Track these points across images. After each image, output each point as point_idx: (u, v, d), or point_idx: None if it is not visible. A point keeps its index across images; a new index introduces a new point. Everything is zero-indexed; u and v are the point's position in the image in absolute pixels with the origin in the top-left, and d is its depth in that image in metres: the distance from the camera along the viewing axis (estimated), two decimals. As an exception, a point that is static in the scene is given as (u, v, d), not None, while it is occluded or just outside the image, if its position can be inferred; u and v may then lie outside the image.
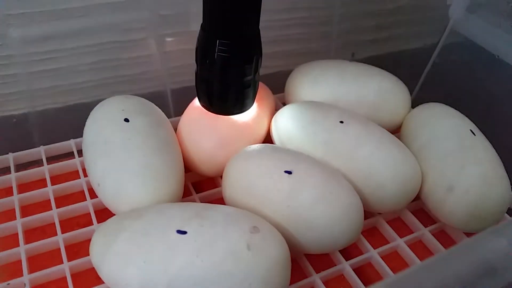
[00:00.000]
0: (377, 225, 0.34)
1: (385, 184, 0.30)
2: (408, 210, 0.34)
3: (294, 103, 0.35)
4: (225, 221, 0.26)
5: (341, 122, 0.32)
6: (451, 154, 0.31)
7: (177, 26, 0.38)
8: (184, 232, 0.25)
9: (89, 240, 0.30)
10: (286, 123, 0.33)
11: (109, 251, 0.25)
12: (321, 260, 0.31)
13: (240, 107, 0.32)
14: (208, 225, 0.25)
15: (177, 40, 0.39)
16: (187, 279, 0.24)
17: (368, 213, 0.32)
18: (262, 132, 0.35)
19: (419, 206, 0.35)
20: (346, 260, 0.30)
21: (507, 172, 0.31)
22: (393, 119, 0.36)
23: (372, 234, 0.33)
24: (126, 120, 0.30)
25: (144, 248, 0.24)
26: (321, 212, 0.27)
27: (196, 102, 0.34)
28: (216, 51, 0.29)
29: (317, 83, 0.36)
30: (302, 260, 0.30)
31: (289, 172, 0.28)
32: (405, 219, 0.34)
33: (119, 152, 0.29)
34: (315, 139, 0.32)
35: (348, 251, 0.32)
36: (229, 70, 0.30)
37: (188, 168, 0.33)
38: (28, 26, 0.34)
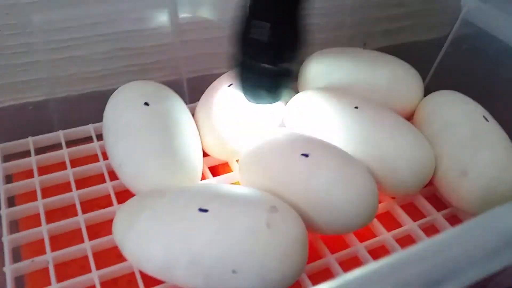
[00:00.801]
0: (390, 209, 0.34)
1: (399, 168, 0.31)
2: (421, 195, 0.35)
3: (309, 89, 0.35)
4: (244, 200, 0.26)
5: (356, 107, 0.32)
6: (464, 139, 0.32)
7: (194, 15, 0.39)
8: (206, 211, 0.25)
9: (110, 221, 0.31)
10: (301, 109, 0.34)
11: (132, 228, 0.26)
12: (335, 242, 0.31)
13: (274, 96, 0.30)
14: (229, 204, 0.26)
15: (192, 29, 0.40)
16: (209, 255, 0.24)
17: (381, 198, 0.33)
18: (277, 116, 0.35)
19: (431, 192, 0.35)
20: (361, 242, 0.31)
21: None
22: (406, 106, 0.37)
23: (385, 218, 0.34)
24: (146, 104, 0.31)
25: (167, 225, 0.25)
26: (338, 194, 0.28)
27: (213, 87, 0.34)
28: (253, 33, 0.27)
29: (331, 70, 0.37)
30: (317, 241, 0.31)
31: (306, 155, 0.29)
32: (418, 204, 0.35)
33: (140, 134, 0.29)
34: (330, 124, 0.32)
35: (362, 234, 0.32)
36: (269, 56, 0.28)
37: (204, 152, 0.34)
38: (48, 14, 0.34)
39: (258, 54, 0.28)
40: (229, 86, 0.34)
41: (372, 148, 0.31)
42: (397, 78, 0.36)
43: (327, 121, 0.32)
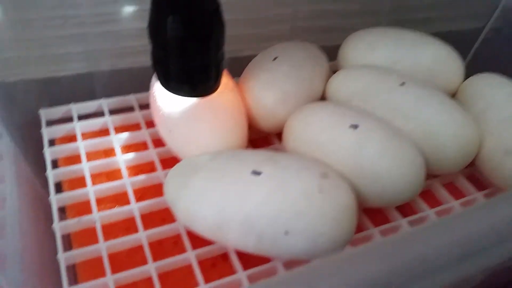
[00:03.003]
0: (431, 188, 0.34)
1: (445, 144, 0.31)
2: (461, 175, 0.35)
3: (351, 66, 0.36)
4: (297, 165, 0.26)
5: (402, 84, 0.32)
6: (508, 120, 0.32)
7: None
8: (259, 173, 0.25)
9: (154, 185, 0.32)
10: (345, 85, 0.34)
11: (186, 187, 0.26)
12: (378, 217, 0.31)
13: (201, 89, 0.29)
14: (282, 168, 0.26)
15: (230, 8, 0.40)
16: (261, 216, 0.25)
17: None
18: (318, 92, 0.35)
19: (471, 173, 0.35)
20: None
21: None
22: (447, 87, 0.36)
23: (426, 196, 0.33)
24: None
25: (221, 186, 0.25)
26: (386, 166, 0.28)
27: (256, 60, 0.35)
28: (168, 28, 0.25)
29: (373, 48, 0.37)
30: (360, 214, 0.31)
31: (355, 126, 0.29)
32: (458, 184, 0.35)
33: (192, 100, 0.30)
34: (376, 100, 0.32)
35: (404, 211, 0.32)
36: (183, 50, 0.26)
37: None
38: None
39: (176, 49, 0.26)
40: (274, 59, 0.34)
41: (419, 124, 0.31)
42: (440, 59, 0.36)
43: (372, 98, 0.32)
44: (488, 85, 0.35)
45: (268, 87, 0.33)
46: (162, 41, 0.26)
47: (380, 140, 0.28)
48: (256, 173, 0.26)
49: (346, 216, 0.26)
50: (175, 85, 0.28)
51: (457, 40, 0.47)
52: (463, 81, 0.37)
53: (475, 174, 0.35)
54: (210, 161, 0.27)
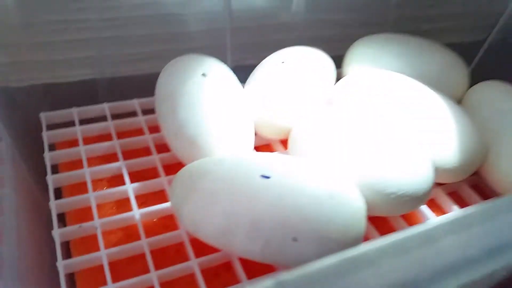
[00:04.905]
0: (435, 196, 0.34)
1: (452, 151, 0.30)
2: (465, 184, 0.34)
3: (358, 71, 0.35)
4: (307, 170, 0.26)
5: (410, 89, 0.32)
6: (514, 128, 0.32)
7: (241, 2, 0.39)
8: (268, 177, 0.25)
9: (156, 192, 0.31)
10: (354, 90, 0.33)
11: (193, 191, 0.25)
12: (382, 225, 0.31)
13: None
14: (292, 172, 0.25)
15: (242, 16, 0.40)
16: (270, 220, 0.24)
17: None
18: (325, 97, 0.35)
19: (475, 182, 0.35)
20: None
21: None
22: (453, 94, 0.36)
23: (429, 204, 0.33)
24: (204, 75, 0.31)
25: (229, 189, 0.25)
26: (398, 171, 0.27)
27: (263, 64, 0.34)
28: None
29: (379, 54, 0.37)
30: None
31: (365, 131, 0.28)
32: (462, 193, 0.34)
33: (199, 104, 0.29)
34: (384, 103, 0.32)
35: (409, 219, 0.32)
36: None
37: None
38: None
39: None
40: (282, 63, 0.34)
41: (425, 130, 0.31)
42: (446, 66, 0.36)
43: (380, 101, 0.32)
44: (493, 92, 0.35)
45: (274, 91, 0.33)
46: None
47: (391, 145, 0.28)
48: (265, 177, 0.25)
49: (356, 223, 0.25)
50: None
51: (459, 52, 0.48)
52: (468, 88, 0.37)
53: (479, 183, 0.35)
54: (217, 164, 0.26)
